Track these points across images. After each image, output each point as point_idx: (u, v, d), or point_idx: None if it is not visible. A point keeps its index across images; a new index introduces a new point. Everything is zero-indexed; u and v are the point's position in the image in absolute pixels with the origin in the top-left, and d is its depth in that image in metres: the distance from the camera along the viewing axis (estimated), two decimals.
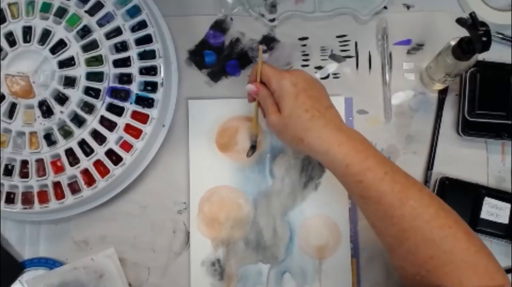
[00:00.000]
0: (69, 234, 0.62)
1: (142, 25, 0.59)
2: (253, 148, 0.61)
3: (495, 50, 0.63)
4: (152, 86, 0.59)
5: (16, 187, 0.58)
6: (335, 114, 0.52)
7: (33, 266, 0.61)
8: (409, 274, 0.48)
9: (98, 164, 0.57)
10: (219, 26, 0.65)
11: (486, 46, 0.49)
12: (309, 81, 0.52)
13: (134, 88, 0.58)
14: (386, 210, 0.47)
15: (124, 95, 0.58)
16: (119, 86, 0.58)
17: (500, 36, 0.64)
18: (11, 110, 0.58)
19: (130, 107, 0.58)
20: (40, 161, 0.58)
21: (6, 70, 0.58)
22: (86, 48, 0.58)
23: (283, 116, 0.51)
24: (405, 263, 0.48)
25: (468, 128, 0.61)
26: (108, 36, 0.59)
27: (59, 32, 0.58)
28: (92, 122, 0.58)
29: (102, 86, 0.58)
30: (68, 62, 0.58)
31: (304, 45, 0.65)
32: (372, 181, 0.47)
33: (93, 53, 0.58)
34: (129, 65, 0.58)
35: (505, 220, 0.59)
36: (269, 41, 0.65)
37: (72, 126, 0.58)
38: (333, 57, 0.65)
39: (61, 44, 0.58)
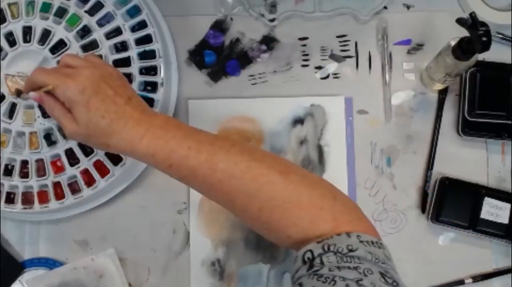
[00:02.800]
0: (69, 234, 0.62)
1: (142, 25, 0.59)
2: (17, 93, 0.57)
3: (495, 50, 0.63)
4: (152, 86, 0.59)
5: (16, 187, 0.58)
6: (136, 106, 0.49)
7: (33, 266, 0.61)
8: (262, 233, 0.47)
9: (98, 164, 0.57)
10: (219, 26, 0.65)
11: (486, 46, 0.49)
12: (97, 82, 0.47)
13: (134, 88, 0.58)
14: (204, 183, 0.46)
15: None
16: None
17: (500, 36, 0.64)
18: (11, 110, 0.58)
19: None
20: (40, 161, 0.58)
21: (6, 70, 0.58)
22: (86, 48, 0.58)
23: (80, 126, 0.47)
24: (250, 223, 0.47)
25: (468, 128, 0.61)
26: (108, 36, 0.59)
27: (59, 32, 0.58)
28: None
29: None
30: None
31: (304, 45, 0.65)
32: (179, 161, 0.46)
33: (93, 53, 0.58)
34: (129, 65, 0.58)
35: (505, 220, 0.59)
36: (269, 41, 0.65)
37: None
38: (333, 57, 0.65)
39: (61, 44, 0.58)
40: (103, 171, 0.57)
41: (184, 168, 0.46)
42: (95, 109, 0.46)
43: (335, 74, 0.65)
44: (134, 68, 0.58)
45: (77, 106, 0.47)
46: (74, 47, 0.58)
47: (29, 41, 0.58)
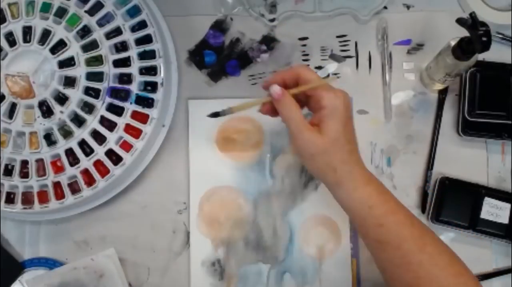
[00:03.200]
0: (69, 234, 0.62)
1: (142, 25, 0.59)
2: (216, 114, 0.51)
3: (495, 50, 0.63)
4: (152, 86, 0.59)
5: (16, 187, 0.58)
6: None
7: (33, 266, 0.61)
8: None
9: (98, 164, 0.57)
10: (219, 26, 0.65)
11: (486, 46, 0.49)
12: (350, 108, 0.47)
13: (134, 88, 0.58)
14: (404, 257, 0.45)
15: (124, 95, 0.58)
16: (119, 86, 0.58)
17: (500, 36, 0.64)
18: (11, 110, 0.58)
19: (130, 107, 0.58)
20: (40, 161, 0.58)
21: (6, 70, 0.58)
22: (86, 48, 0.58)
23: (325, 139, 0.44)
24: None
25: (468, 128, 0.61)
26: (108, 36, 0.59)
27: (59, 32, 0.58)
28: (92, 122, 0.58)
29: (102, 86, 0.58)
30: (68, 62, 0.58)
31: (304, 45, 0.65)
32: (393, 225, 0.45)
33: (93, 53, 0.58)
34: (129, 65, 0.58)
35: (505, 220, 0.59)
36: (269, 41, 0.65)
37: (72, 126, 0.58)
38: (333, 57, 0.65)
39: (61, 44, 0.58)
40: (103, 171, 0.57)
41: (394, 234, 0.45)
42: (349, 131, 0.45)
43: (335, 74, 0.65)
44: (134, 68, 0.58)
45: (337, 119, 0.44)
46: (74, 47, 0.58)
47: (29, 41, 0.58)
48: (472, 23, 0.49)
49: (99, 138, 0.57)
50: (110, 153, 0.57)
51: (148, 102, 0.58)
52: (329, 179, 0.47)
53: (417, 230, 0.46)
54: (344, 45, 0.65)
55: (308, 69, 0.47)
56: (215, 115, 0.50)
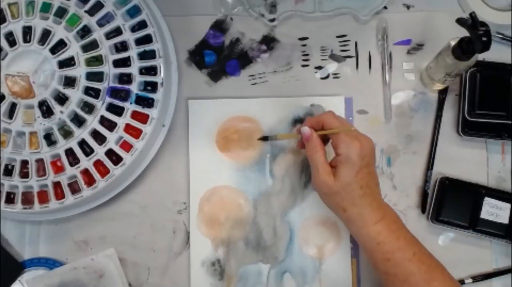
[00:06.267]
0: (69, 234, 0.62)
1: (142, 25, 0.59)
2: (265, 139, 0.60)
3: (495, 50, 0.63)
4: (152, 86, 0.59)
5: (16, 187, 0.58)
6: (379, 189, 0.53)
7: (33, 266, 0.61)
8: None
9: (98, 164, 0.57)
10: (219, 26, 0.65)
11: (486, 46, 0.49)
12: (373, 154, 0.51)
13: (134, 88, 0.58)
14: None
15: (124, 95, 0.58)
16: (119, 86, 0.58)
17: (500, 36, 0.64)
18: (11, 110, 0.58)
19: (130, 107, 0.58)
20: (40, 161, 0.58)
21: (6, 70, 0.58)
22: (86, 48, 0.58)
23: (337, 183, 0.50)
24: None
25: (468, 128, 0.61)
26: (108, 36, 0.59)
27: (59, 32, 0.58)
28: (92, 122, 0.58)
29: (102, 86, 0.58)
30: (68, 62, 0.58)
31: (304, 45, 0.65)
32: (401, 261, 0.49)
33: (93, 53, 0.58)
34: (129, 65, 0.58)
35: (505, 220, 0.59)
36: (269, 41, 0.65)
37: (72, 126, 0.58)
38: (333, 57, 0.65)
39: (61, 44, 0.58)
40: (103, 171, 0.57)
41: (401, 268, 0.49)
42: (360, 178, 0.49)
43: (335, 74, 0.65)
44: (134, 68, 0.58)
45: (349, 167, 0.49)
46: (74, 47, 0.58)
47: (29, 41, 0.58)
48: (472, 23, 0.49)
49: (99, 138, 0.57)
50: (110, 153, 0.57)
51: (148, 102, 0.58)
52: (340, 216, 0.52)
53: (425, 266, 0.49)
54: (344, 45, 0.65)
55: (333, 117, 0.52)
56: (264, 139, 0.60)
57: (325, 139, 0.54)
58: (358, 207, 0.50)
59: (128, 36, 0.59)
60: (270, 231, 0.62)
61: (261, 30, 0.65)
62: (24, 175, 0.58)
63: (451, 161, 0.63)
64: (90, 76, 0.58)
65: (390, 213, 0.52)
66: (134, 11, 0.59)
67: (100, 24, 0.59)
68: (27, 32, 0.58)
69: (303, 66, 0.65)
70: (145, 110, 0.58)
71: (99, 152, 0.57)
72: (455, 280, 0.51)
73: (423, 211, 0.62)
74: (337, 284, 0.61)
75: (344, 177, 0.49)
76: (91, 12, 0.59)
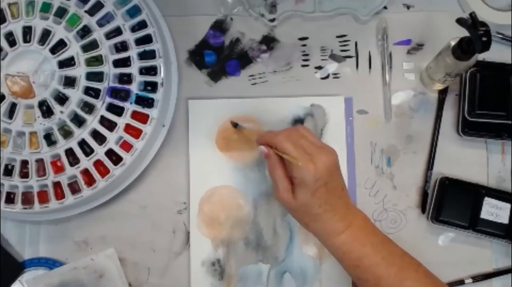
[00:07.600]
0: (69, 234, 0.62)
1: (142, 25, 0.59)
2: (235, 125, 0.61)
3: (495, 50, 0.63)
4: (152, 86, 0.59)
5: (16, 187, 0.58)
6: (344, 198, 0.51)
7: (33, 266, 0.61)
8: None
9: (98, 164, 0.57)
10: (219, 26, 0.65)
11: (486, 46, 0.49)
12: (332, 171, 0.49)
13: (134, 88, 0.58)
14: None
15: (124, 95, 0.58)
16: (119, 86, 0.58)
17: (500, 36, 0.64)
18: (11, 110, 0.58)
19: (130, 107, 0.58)
20: (40, 161, 0.58)
21: (6, 70, 0.58)
22: (86, 48, 0.58)
23: (296, 202, 0.50)
24: None
25: (468, 128, 0.61)
26: (108, 36, 0.59)
27: (59, 32, 0.58)
28: (92, 122, 0.58)
29: (102, 86, 0.58)
30: (68, 62, 0.58)
31: (304, 45, 0.65)
32: (369, 267, 0.49)
33: (93, 53, 0.58)
34: (129, 65, 0.58)
35: (505, 220, 0.59)
36: (269, 41, 0.65)
37: (72, 126, 0.58)
38: (333, 57, 0.65)
39: (61, 44, 0.58)
40: (103, 171, 0.57)
41: (370, 273, 0.49)
42: (318, 197, 0.49)
43: (335, 74, 0.65)
44: (134, 68, 0.58)
45: (305, 189, 0.49)
46: (74, 47, 0.58)
47: (29, 41, 0.58)
48: (472, 23, 0.49)
49: (99, 138, 0.57)
50: (110, 153, 0.57)
51: (148, 102, 0.58)
52: (305, 228, 0.52)
53: (395, 267, 0.49)
54: (344, 45, 0.65)
55: (285, 141, 0.50)
56: (235, 125, 0.60)
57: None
58: (319, 223, 0.50)
59: (128, 36, 0.59)
60: (270, 231, 0.62)
61: (261, 30, 0.65)
62: (24, 175, 0.58)
63: (451, 161, 0.63)
64: (90, 76, 0.58)
65: (356, 220, 0.51)
66: (134, 11, 0.59)
67: (100, 24, 0.59)
68: (27, 32, 0.58)
69: (303, 66, 0.65)
70: (145, 110, 0.58)
71: (99, 152, 0.57)
72: (431, 275, 0.50)
73: (423, 211, 0.62)
74: (337, 284, 0.61)
75: (301, 198, 0.49)
76: (91, 12, 0.59)
